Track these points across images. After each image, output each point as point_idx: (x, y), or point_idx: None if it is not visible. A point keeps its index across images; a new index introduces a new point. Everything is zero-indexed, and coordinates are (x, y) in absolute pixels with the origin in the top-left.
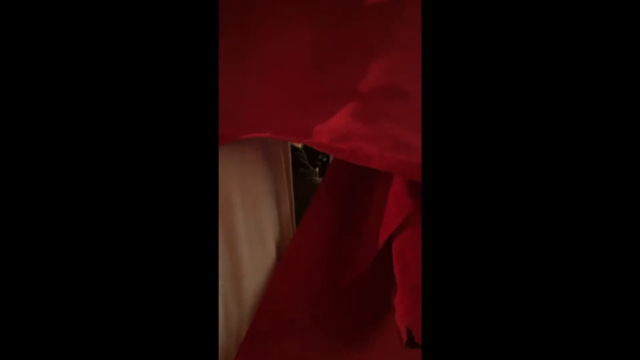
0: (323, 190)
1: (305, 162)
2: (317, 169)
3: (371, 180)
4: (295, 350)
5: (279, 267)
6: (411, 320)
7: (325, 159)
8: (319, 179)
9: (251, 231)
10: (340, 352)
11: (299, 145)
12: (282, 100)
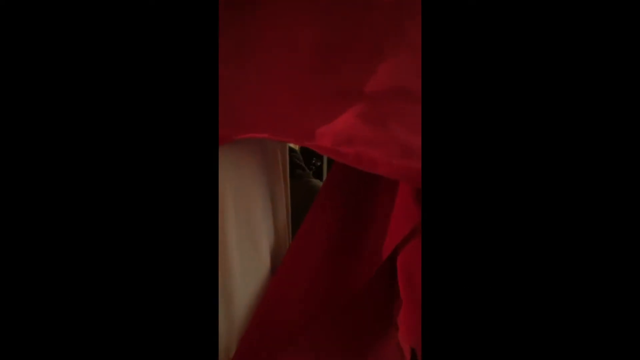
0: (323, 196)
1: (302, 163)
2: (310, 173)
3: (376, 187)
4: None
5: (273, 279)
6: (415, 340)
7: (319, 163)
8: (316, 182)
9: (244, 239)
10: None
11: (295, 147)
12: (282, 100)
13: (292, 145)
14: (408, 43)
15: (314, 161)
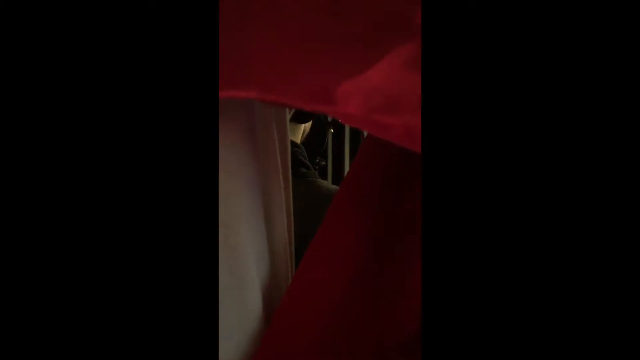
0: (342, 203)
1: (306, 160)
2: (316, 173)
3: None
4: None
5: (268, 330)
6: None
7: (323, 163)
8: (326, 184)
9: (222, 271)
10: None
11: (298, 133)
12: (284, 41)
13: (293, 138)
14: None
15: (317, 160)
